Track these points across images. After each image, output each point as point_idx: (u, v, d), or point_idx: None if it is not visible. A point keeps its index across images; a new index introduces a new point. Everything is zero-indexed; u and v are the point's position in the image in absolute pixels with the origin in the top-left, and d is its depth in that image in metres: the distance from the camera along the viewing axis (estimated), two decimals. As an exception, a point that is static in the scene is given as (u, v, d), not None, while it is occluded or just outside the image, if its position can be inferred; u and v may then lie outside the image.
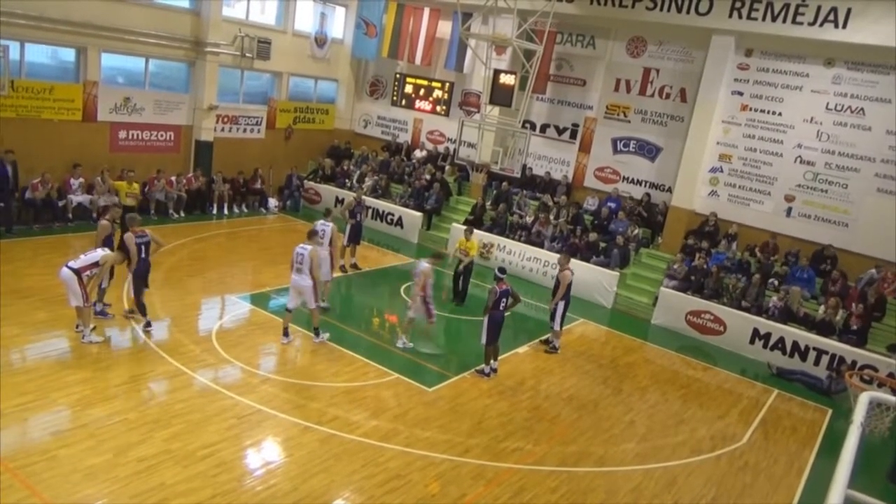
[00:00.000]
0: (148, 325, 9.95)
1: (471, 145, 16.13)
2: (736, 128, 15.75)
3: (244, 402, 8.44)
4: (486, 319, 10.29)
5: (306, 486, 7.00)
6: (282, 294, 12.43)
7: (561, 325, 11.87)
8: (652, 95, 16.88)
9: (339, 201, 19.04)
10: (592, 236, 15.82)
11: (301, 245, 10.23)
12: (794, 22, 13.94)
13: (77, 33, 14.52)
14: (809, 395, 11.97)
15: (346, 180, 19.67)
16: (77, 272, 9.09)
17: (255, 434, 7.83)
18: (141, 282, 9.94)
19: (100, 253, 9.52)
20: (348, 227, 14.28)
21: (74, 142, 15.06)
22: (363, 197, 15.91)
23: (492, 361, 10.46)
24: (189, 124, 17.47)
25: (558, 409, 9.82)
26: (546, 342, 12.04)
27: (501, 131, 15.85)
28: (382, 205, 18.50)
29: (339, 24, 21.14)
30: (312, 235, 10.54)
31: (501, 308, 10.26)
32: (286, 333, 10.45)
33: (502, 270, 10.67)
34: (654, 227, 16.55)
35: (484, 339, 10.29)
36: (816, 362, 12.60)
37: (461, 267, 13.65)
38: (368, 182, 19.17)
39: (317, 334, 10.51)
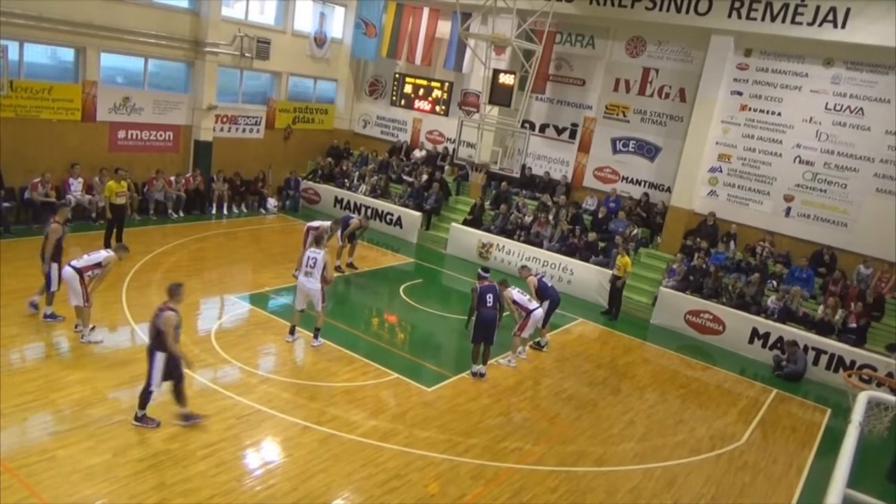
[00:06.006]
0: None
1: (470, 145, 16.13)
2: (735, 128, 15.75)
3: (243, 402, 8.44)
4: (473, 318, 10.35)
5: (305, 486, 7.00)
6: (281, 294, 12.46)
7: (544, 325, 11.81)
8: (651, 95, 16.88)
9: (338, 201, 19.09)
10: (591, 236, 15.83)
11: (313, 249, 10.35)
12: (793, 22, 13.94)
13: (76, 33, 14.50)
14: (808, 393, 12.01)
15: (346, 180, 19.67)
16: (79, 271, 9.14)
17: (255, 434, 7.83)
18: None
19: (103, 254, 9.55)
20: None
21: (74, 142, 15.05)
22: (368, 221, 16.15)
23: (481, 366, 10.36)
24: (188, 124, 17.45)
25: (557, 409, 9.82)
26: (538, 343, 12.08)
27: (501, 131, 15.85)
28: (382, 205, 18.50)
29: (339, 24, 21.13)
30: (319, 241, 10.71)
31: (489, 305, 10.19)
32: (292, 332, 10.49)
33: (485, 269, 10.86)
34: (653, 227, 16.56)
35: (471, 338, 10.33)
36: (815, 362, 12.63)
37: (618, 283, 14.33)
38: (366, 185, 19.16)
39: (316, 336, 10.50)
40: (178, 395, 7.61)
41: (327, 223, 13.51)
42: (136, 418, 7.55)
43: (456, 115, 18.52)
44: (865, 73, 14.15)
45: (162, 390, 7.55)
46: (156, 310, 7.41)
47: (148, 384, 7.43)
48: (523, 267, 12.40)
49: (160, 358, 7.34)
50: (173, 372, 7.48)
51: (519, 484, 7.69)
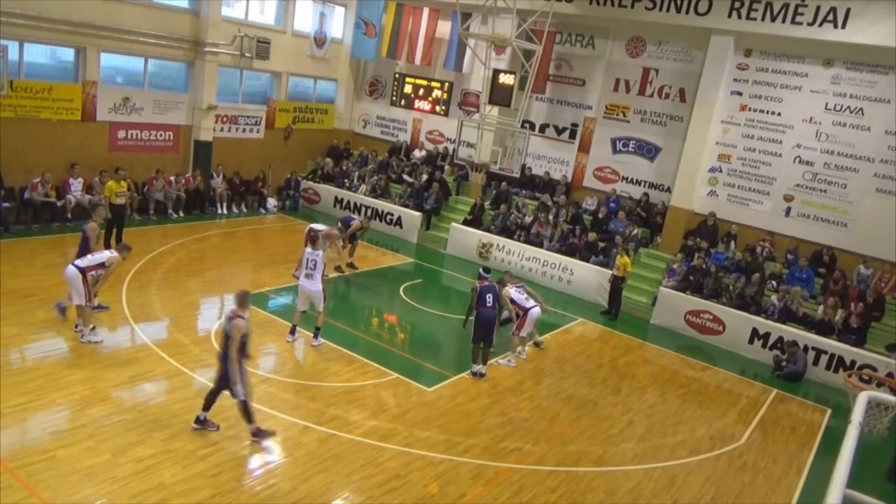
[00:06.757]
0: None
1: (470, 145, 16.14)
2: (735, 128, 15.75)
3: (243, 402, 8.44)
4: (472, 318, 10.40)
5: (305, 486, 7.00)
6: (281, 294, 12.45)
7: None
8: (651, 95, 16.88)
9: (338, 201, 19.09)
10: (591, 236, 15.83)
11: (311, 251, 10.36)
12: (793, 22, 13.95)
13: (76, 33, 14.50)
14: (808, 393, 12.01)
15: (346, 180, 19.68)
16: (82, 271, 9.16)
17: (255, 434, 7.84)
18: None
19: (106, 254, 9.57)
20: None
21: (74, 142, 15.04)
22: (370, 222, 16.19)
23: (481, 366, 10.36)
24: (188, 124, 17.44)
25: (557, 409, 9.82)
26: (536, 343, 12.10)
27: (501, 131, 15.85)
28: (382, 205, 18.50)
29: (339, 24, 21.12)
30: (315, 241, 10.70)
31: (489, 305, 10.21)
32: (293, 332, 10.50)
33: (486, 270, 10.88)
34: (653, 227, 16.56)
35: (471, 338, 10.35)
36: (815, 362, 12.63)
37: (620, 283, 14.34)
38: (366, 185, 19.16)
39: (316, 336, 10.51)
40: (210, 399, 7.58)
41: (335, 231, 13.51)
42: (253, 434, 7.54)
43: (456, 115, 18.53)
44: (865, 73, 14.15)
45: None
46: (225, 319, 7.44)
47: (236, 395, 7.39)
48: (506, 272, 12.38)
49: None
50: (225, 379, 7.38)
51: (519, 484, 7.69)
